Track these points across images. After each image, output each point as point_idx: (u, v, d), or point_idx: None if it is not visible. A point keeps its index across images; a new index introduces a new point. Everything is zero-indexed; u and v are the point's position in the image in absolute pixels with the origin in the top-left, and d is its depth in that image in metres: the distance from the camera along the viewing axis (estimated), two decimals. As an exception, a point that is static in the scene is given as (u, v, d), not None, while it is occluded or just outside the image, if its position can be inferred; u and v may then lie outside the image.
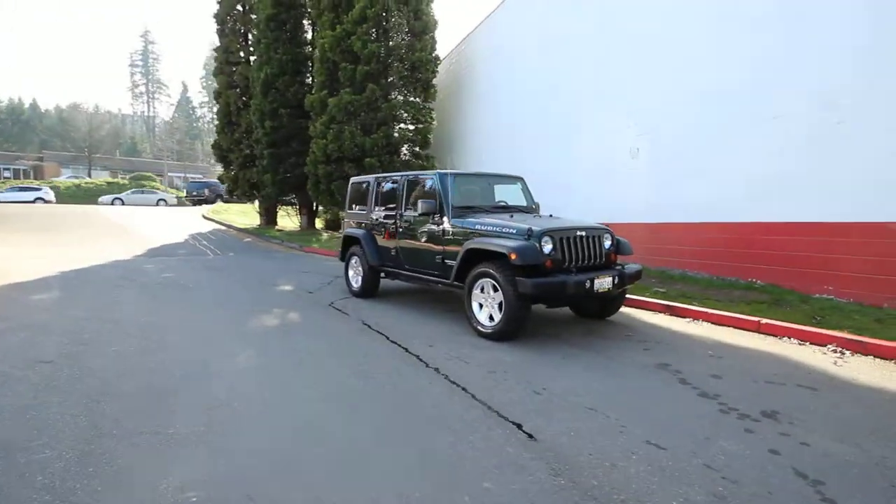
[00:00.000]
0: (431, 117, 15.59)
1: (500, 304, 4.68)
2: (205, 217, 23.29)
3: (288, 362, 4.00)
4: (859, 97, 5.84)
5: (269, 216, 20.54)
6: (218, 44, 20.13)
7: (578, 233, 4.90)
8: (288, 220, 20.58)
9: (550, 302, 4.91)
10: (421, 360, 4.10)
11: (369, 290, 6.88)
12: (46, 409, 2.98)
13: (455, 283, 5.24)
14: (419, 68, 14.70)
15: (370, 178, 7.08)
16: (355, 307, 6.29)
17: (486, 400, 3.24)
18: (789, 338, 4.82)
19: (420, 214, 5.65)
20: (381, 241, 6.61)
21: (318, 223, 20.39)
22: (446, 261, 5.47)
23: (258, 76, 17.23)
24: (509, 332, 4.61)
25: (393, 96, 15.17)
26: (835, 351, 4.40)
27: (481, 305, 4.91)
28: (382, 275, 6.79)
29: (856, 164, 5.89)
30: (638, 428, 2.85)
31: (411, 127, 15.26)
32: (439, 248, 5.56)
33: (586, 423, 2.90)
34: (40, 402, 3.08)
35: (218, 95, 20.22)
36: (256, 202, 21.06)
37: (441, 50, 15.84)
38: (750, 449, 2.62)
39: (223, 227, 20.08)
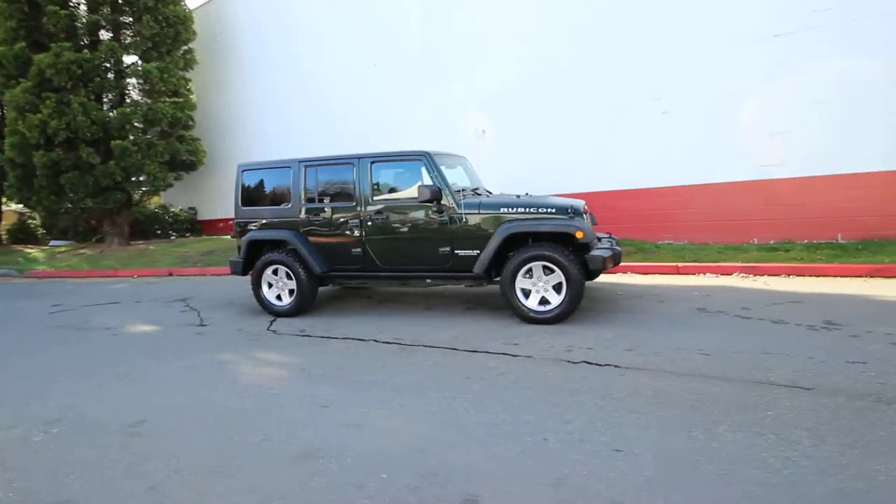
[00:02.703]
0: (190, 89, 12.67)
1: (555, 286, 4.54)
2: None
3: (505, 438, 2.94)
4: (677, 92, 7.89)
5: None
6: None
7: (585, 207, 5.14)
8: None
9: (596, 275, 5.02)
10: (559, 360, 3.64)
11: (307, 305, 5.43)
12: None
13: (479, 273, 4.74)
14: (173, 25, 11.60)
15: (290, 161, 5.46)
16: (314, 327, 4.90)
17: (701, 372, 3.20)
18: (704, 273, 6.34)
19: (421, 202, 4.80)
20: (327, 241, 5.27)
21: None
22: (457, 251, 4.86)
23: None
24: (571, 312, 4.54)
25: (138, 63, 11.52)
26: (745, 277, 6.06)
27: (525, 291, 4.63)
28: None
29: (678, 142, 7.97)
30: (808, 356, 3.34)
31: (169, 101, 11.99)
32: (444, 237, 4.87)
33: (785, 366, 3.24)
34: None
35: None
36: None
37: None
38: (881, 346, 3.51)
39: None
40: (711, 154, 7.71)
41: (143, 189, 11.90)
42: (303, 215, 5.32)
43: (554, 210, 4.65)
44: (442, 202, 4.82)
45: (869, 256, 6.15)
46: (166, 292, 7.48)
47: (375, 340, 4.40)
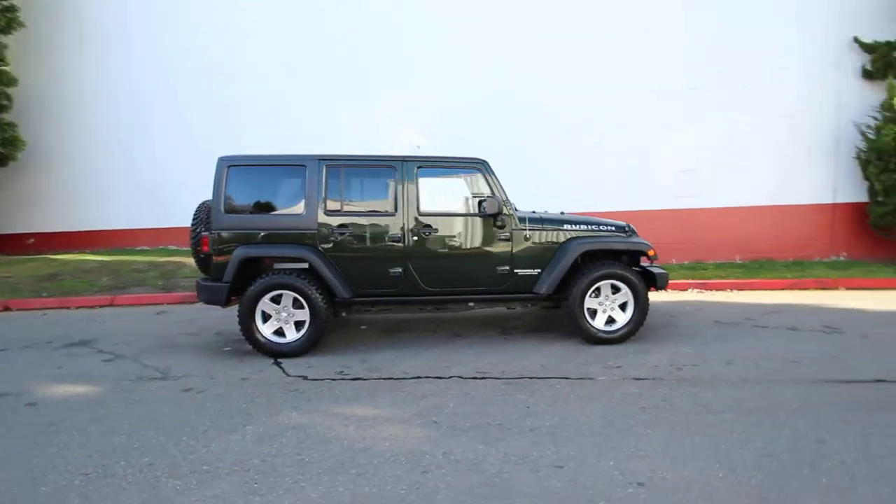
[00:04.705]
0: (6, 59, 9.51)
1: (620, 305, 4.47)
2: None
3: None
4: (608, 127, 8.71)
5: None
6: None
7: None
8: None
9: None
10: (692, 379, 3.52)
11: (320, 339, 4.33)
12: None
13: (542, 294, 4.39)
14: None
15: (303, 158, 4.32)
16: (349, 367, 3.95)
17: (823, 378, 3.45)
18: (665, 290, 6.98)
19: (487, 215, 4.27)
20: (355, 258, 4.29)
21: None
22: (516, 270, 4.44)
23: None
24: (636, 330, 4.50)
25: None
26: (701, 292, 6.84)
27: (591, 311, 4.45)
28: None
29: (608, 172, 8.76)
30: (869, 357, 3.94)
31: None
32: (504, 255, 4.41)
33: (871, 366, 3.69)
34: None
35: None
36: None
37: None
38: (897, 346, 4.31)
39: None
40: (636, 185, 8.68)
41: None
42: (322, 227, 4.26)
43: (613, 228, 4.63)
44: (502, 216, 4.39)
45: (769, 272, 7.57)
46: (32, 335, 5.23)
47: (460, 377, 3.72)
